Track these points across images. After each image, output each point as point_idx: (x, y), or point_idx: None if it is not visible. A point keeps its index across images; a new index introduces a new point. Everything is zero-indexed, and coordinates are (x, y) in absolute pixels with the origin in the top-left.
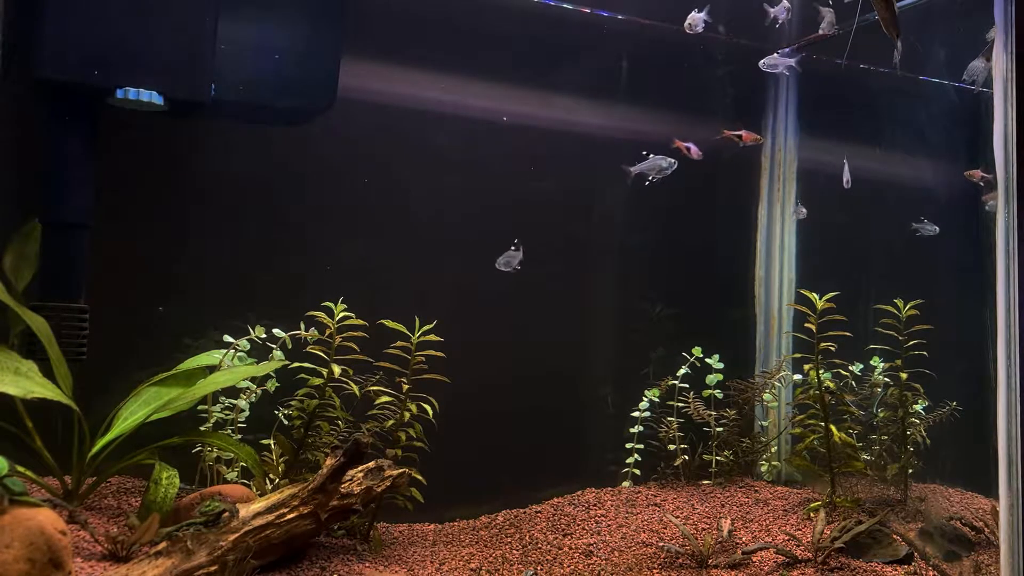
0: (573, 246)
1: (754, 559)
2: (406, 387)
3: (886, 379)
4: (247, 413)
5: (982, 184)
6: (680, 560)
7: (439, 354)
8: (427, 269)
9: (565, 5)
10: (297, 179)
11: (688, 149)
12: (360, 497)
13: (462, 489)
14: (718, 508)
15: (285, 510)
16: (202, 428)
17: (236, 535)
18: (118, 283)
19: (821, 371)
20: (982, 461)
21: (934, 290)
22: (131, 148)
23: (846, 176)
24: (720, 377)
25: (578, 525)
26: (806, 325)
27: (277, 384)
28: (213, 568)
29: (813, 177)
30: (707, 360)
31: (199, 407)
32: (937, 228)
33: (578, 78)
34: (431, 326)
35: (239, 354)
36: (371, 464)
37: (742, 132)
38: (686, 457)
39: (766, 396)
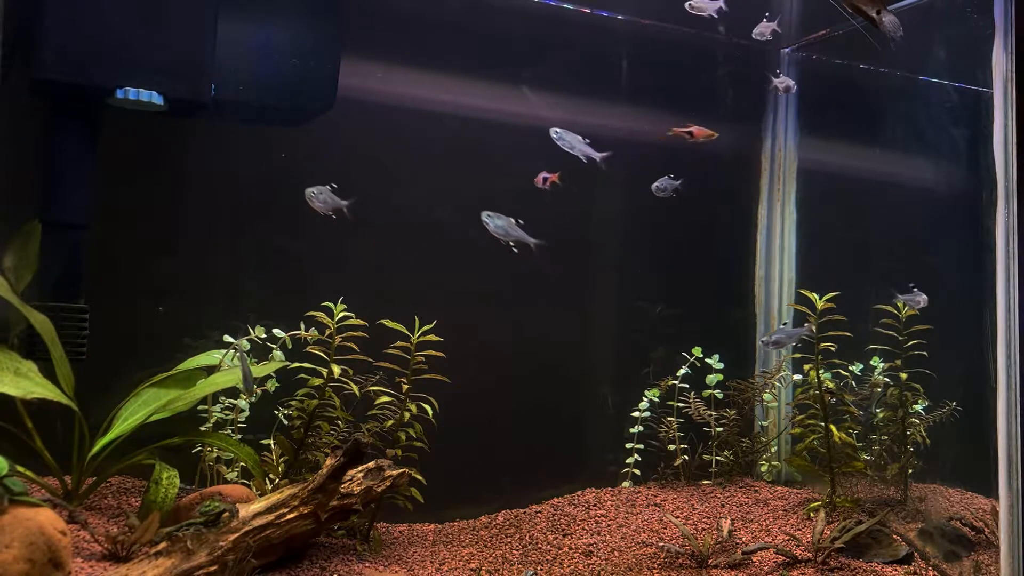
0: (573, 246)
1: (754, 559)
2: (406, 387)
3: (886, 379)
4: (247, 413)
5: None
6: (680, 560)
7: (439, 354)
8: (427, 269)
9: (565, 5)
10: (297, 179)
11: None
12: (360, 497)
13: (462, 489)
14: (718, 508)
15: (285, 510)
16: (202, 428)
17: (236, 535)
18: (118, 283)
19: (821, 371)
20: (982, 461)
21: (934, 290)
22: (131, 148)
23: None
24: (720, 377)
25: (578, 525)
26: (806, 325)
27: (277, 384)
28: (213, 568)
29: (813, 177)
30: (707, 360)
31: (199, 407)
32: (926, 298)
33: (578, 78)
34: (431, 326)
35: (239, 354)
36: (371, 464)
37: (692, 128)
38: (686, 457)
39: (766, 396)
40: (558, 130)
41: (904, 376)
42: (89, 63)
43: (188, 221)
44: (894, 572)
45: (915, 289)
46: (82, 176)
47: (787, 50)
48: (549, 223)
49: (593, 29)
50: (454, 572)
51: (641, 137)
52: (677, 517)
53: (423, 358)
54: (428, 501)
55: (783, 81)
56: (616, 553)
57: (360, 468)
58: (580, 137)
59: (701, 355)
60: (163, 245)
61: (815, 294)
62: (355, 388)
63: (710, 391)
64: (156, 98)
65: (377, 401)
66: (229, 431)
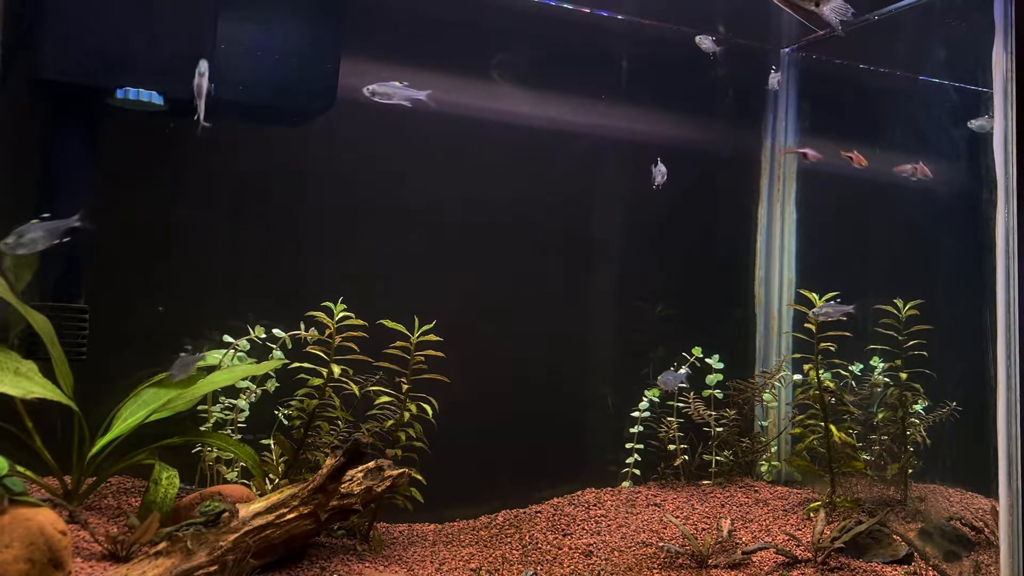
0: (573, 246)
1: (754, 559)
2: (406, 387)
3: (886, 379)
4: (247, 413)
5: (914, 179)
6: (680, 560)
7: (439, 354)
8: (427, 269)
9: (565, 5)
10: (297, 179)
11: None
12: (360, 497)
13: (462, 489)
14: (718, 508)
15: (285, 510)
16: (202, 428)
17: (236, 535)
18: (118, 283)
19: (821, 371)
20: (982, 461)
21: (934, 290)
22: (131, 148)
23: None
24: (720, 377)
25: (578, 525)
26: (806, 325)
27: (277, 384)
28: (213, 568)
29: (813, 177)
30: (707, 360)
31: (199, 407)
32: (848, 308)
33: (578, 78)
34: (430, 326)
35: (239, 354)
36: (371, 464)
37: (806, 151)
38: (686, 457)
39: (766, 396)
40: (371, 87)
41: (904, 376)
42: (89, 63)
43: (188, 221)
44: (894, 572)
45: (838, 300)
46: (82, 176)
47: (787, 50)
48: (550, 223)
49: (593, 29)
50: (454, 572)
51: (641, 137)
52: (677, 517)
53: (423, 358)
54: (428, 501)
55: (775, 77)
56: (616, 553)
57: (360, 468)
58: (397, 83)
59: (701, 355)
60: (163, 245)
61: (815, 294)
62: (355, 388)
63: (710, 391)
64: (156, 98)
65: (377, 401)
66: (229, 431)
